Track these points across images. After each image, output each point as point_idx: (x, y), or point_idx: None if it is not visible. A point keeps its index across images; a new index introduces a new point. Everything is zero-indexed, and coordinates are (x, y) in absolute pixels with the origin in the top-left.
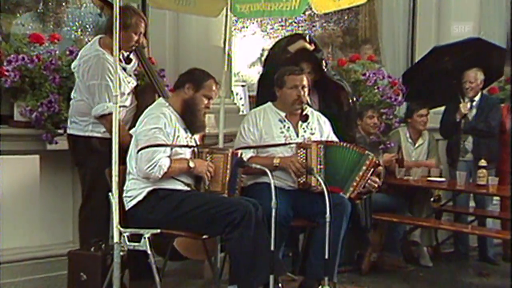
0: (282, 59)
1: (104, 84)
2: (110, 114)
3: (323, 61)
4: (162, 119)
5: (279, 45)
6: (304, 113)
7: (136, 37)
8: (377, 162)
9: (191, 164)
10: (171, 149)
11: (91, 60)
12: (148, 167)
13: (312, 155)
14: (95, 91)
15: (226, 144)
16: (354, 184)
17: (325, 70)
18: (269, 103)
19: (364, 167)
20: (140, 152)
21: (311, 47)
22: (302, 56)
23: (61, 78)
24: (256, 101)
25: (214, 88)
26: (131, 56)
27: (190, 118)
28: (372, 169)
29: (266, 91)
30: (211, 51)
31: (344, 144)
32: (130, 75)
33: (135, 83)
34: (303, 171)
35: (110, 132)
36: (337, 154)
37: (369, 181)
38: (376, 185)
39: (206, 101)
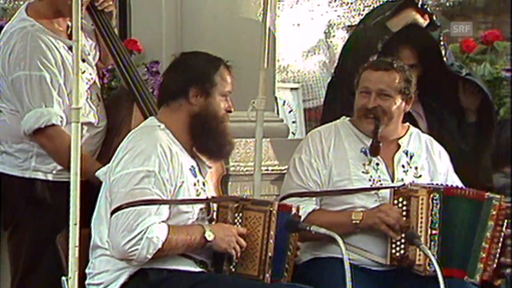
0: (375, 42)
1: (36, 76)
2: (52, 127)
3: (442, 45)
4: (155, 155)
5: (373, 18)
6: (375, 140)
7: None
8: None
9: (209, 236)
10: (170, 207)
11: (14, 38)
12: (128, 241)
13: (419, 211)
14: (22, 88)
15: (266, 195)
16: (483, 256)
17: (446, 60)
18: (344, 119)
19: (490, 222)
20: (115, 215)
21: (424, 21)
22: (407, 38)
23: None
24: (323, 116)
25: (227, 76)
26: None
27: (214, 140)
28: (504, 220)
29: (343, 100)
30: (240, 30)
31: (471, 192)
32: (83, 60)
33: (93, 75)
34: (401, 235)
35: (54, 157)
36: (461, 211)
37: (508, 240)
38: None
39: (225, 103)
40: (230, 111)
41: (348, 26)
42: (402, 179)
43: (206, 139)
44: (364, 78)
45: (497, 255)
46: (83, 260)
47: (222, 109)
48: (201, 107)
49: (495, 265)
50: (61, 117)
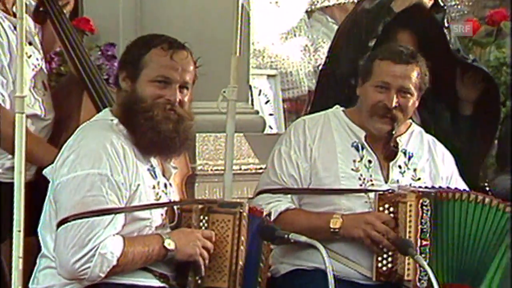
0: (375, 25)
1: None
2: None
3: (446, 29)
4: (106, 155)
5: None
6: (392, 144)
7: None
8: None
9: (169, 245)
10: (126, 215)
11: None
12: (79, 259)
13: (407, 219)
14: None
15: (239, 197)
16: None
17: (452, 46)
18: (337, 108)
19: None
20: (63, 227)
21: (428, 2)
22: (407, 21)
23: None
24: (311, 109)
25: (162, 58)
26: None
27: (141, 133)
28: None
29: (336, 90)
30: (208, 8)
31: (480, 198)
32: (30, 43)
33: (40, 61)
34: (389, 246)
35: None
36: (470, 218)
37: None
38: None
39: (159, 90)
40: (169, 103)
41: (326, 6)
42: (398, 181)
43: (135, 131)
44: (382, 71)
45: None
46: (28, 271)
47: (150, 96)
48: (128, 92)
49: None
50: (2, 95)
